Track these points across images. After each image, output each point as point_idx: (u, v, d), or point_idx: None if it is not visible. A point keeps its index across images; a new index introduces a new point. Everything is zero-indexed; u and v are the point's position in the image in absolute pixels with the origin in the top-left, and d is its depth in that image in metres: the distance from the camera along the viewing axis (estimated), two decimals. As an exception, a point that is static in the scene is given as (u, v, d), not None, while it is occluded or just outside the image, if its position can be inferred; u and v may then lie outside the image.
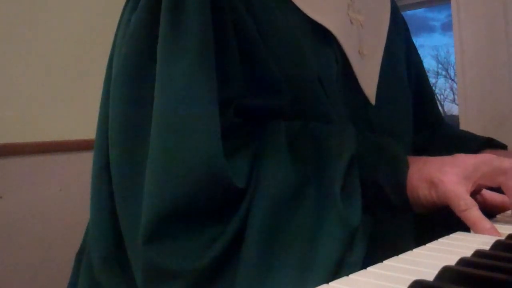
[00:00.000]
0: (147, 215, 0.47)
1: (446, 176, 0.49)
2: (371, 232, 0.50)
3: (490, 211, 0.54)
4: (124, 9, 0.60)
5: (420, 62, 0.88)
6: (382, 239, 0.52)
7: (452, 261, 0.35)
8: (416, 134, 0.79)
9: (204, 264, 0.46)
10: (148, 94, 0.52)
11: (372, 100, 0.66)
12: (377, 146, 0.53)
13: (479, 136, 0.79)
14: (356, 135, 0.53)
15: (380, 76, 0.68)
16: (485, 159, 0.50)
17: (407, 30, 0.86)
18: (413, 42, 0.88)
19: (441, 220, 0.53)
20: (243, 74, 0.54)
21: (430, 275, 0.32)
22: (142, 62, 0.53)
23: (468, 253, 0.37)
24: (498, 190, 0.53)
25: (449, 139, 0.80)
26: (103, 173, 0.55)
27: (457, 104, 1.86)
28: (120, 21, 0.60)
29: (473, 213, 0.47)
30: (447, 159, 0.52)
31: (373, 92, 0.66)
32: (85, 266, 0.58)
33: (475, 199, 0.49)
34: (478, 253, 0.37)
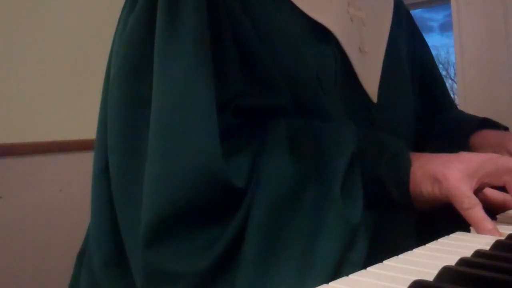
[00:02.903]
0: (147, 217, 0.47)
1: (450, 172, 0.49)
2: (373, 231, 0.50)
3: (491, 210, 0.54)
4: (122, 11, 0.60)
5: (426, 51, 0.87)
6: (383, 238, 0.52)
7: (452, 261, 0.35)
8: (425, 120, 0.79)
9: (205, 266, 0.45)
10: (146, 95, 0.51)
11: (374, 98, 0.66)
12: (378, 142, 0.53)
13: (475, 117, 0.79)
14: (357, 132, 0.53)
15: (382, 74, 0.68)
16: (490, 158, 0.50)
17: (411, 21, 0.86)
18: (418, 32, 0.87)
19: (442, 220, 0.53)
20: (242, 74, 0.54)
21: (430, 275, 0.32)
22: (139, 63, 0.53)
23: (468, 253, 0.37)
24: (501, 189, 0.53)
25: (447, 122, 0.80)
26: (103, 176, 0.55)
27: (457, 104, 1.86)
28: (118, 23, 0.60)
29: (476, 213, 0.47)
30: (451, 156, 0.52)
31: (375, 90, 0.66)
32: (86, 268, 0.58)
33: (477, 197, 0.49)
34: (478, 253, 0.37)
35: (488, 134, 0.73)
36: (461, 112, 0.87)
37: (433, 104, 0.85)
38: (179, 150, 0.48)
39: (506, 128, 0.77)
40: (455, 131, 0.76)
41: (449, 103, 0.88)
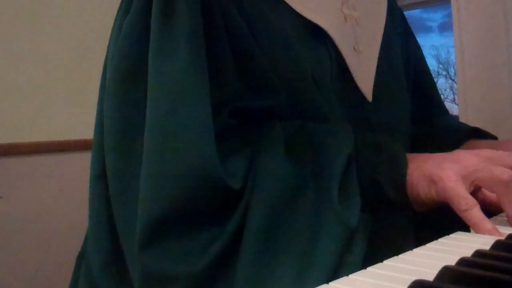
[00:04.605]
0: (142, 219, 0.47)
1: (445, 173, 0.48)
2: (371, 231, 0.50)
3: (490, 210, 0.54)
4: (117, 13, 0.60)
5: (419, 53, 0.88)
6: (382, 239, 0.52)
7: (452, 261, 0.35)
8: (416, 125, 0.80)
9: (202, 267, 0.45)
10: (141, 97, 0.51)
11: (369, 97, 0.66)
12: (375, 144, 0.53)
13: (466, 126, 0.79)
14: (353, 134, 0.53)
15: (377, 73, 0.68)
16: (487, 161, 0.50)
17: (405, 22, 0.86)
18: (412, 33, 0.87)
19: (442, 220, 0.53)
20: (238, 75, 0.54)
21: (430, 275, 0.32)
22: (135, 65, 0.53)
23: (468, 253, 0.37)
24: None
25: (437, 131, 0.80)
26: (100, 179, 0.55)
27: (457, 104, 1.86)
28: (114, 26, 0.60)
29: (474, 213, 0.46)
30: (447, 155, 0.52)
31: (370, 89, 0.66)
32: (84, 270, 0.58)
33: (476, 197, 0.49)
34: (478, 253, 0.37)
35: (477, 144, 0.73)
36: (452, 120, 0.87)
37: (424, 105, 0.85)
38: (174, 151, 0.48)
39: (495, 138, 0.77)
40: (445, 140, 0.76)
41: (439, 106, 0.88)
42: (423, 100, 0.85)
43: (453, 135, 0.76)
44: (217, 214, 0.47)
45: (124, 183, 0.51)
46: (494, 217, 0.52)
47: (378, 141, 0.54)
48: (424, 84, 0.86)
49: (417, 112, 0.81)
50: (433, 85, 0.89)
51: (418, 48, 0.88)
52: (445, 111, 0.89)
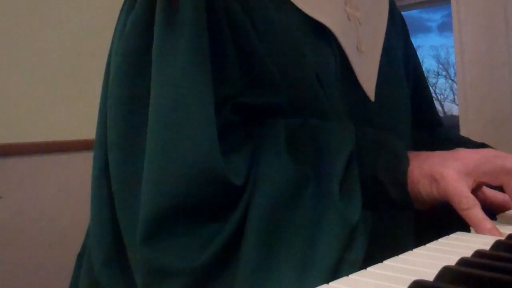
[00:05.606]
0: (145, 214, 0.47)
1: (447, 171, 0.49)
2: (371, 231, 0.50)
3: (491, 210, 0.54)
4: (121, 10, 0.60)
5: (417, 58, 0.88)
6: (382, 238, 0.52)
7: (452, 261, 0.35)
8: (415, 132, 0.80)
9: (203, 262, 0.46)
10: (145, 94, 0.52)
11: (372, 97, 0.66)
12: (376, 141, 0.53)
13: (472, 142, 0.79)
14: (355, 132, 0.53)
15: (379, 73, 0.68)
16: (488, 156, 0.50)
17: (404, 26, 0.86)
18: (410, 38, 0.88)
19: (442, 220, 0.53)
20: (241, 73, 0.54)
21: (430, 275, 0.32)
22: (139, 62, 0.53)
23: (468, 253, 0.37)
24: (501, 188, 0.53)
25: (443, 143, 0.80)
26: (103, 175, 0.55)
27: (457, 104, 1.86)
28: (118, 23, 0.60)
29: (475, 213, 0.47)
30: (448, 154, 0.52)
31: (372, 89, 0.66)
32: (85, 268, 0.58)
33: (476, 196, 0.49)
34: (478, 253, 0.37)
35: None
36: (456, 135, 0.87)
37: (421, 112, 0.84)
38: (177, 147, 0.48)
39: None
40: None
41: (436, 115, 0.89)
42: (421, 109, 0.85)
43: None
44: (219, 210, 0.48)
45: (127, 178, 0.51)
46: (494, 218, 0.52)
47: (379, 139, 0.54)
48: (422, 93, 0.86)
49: (415, 121, 0.81)
50: (429, 93, 0.89)
51: (415, 53, 0.88)
52: (441, 121, 0.89)
